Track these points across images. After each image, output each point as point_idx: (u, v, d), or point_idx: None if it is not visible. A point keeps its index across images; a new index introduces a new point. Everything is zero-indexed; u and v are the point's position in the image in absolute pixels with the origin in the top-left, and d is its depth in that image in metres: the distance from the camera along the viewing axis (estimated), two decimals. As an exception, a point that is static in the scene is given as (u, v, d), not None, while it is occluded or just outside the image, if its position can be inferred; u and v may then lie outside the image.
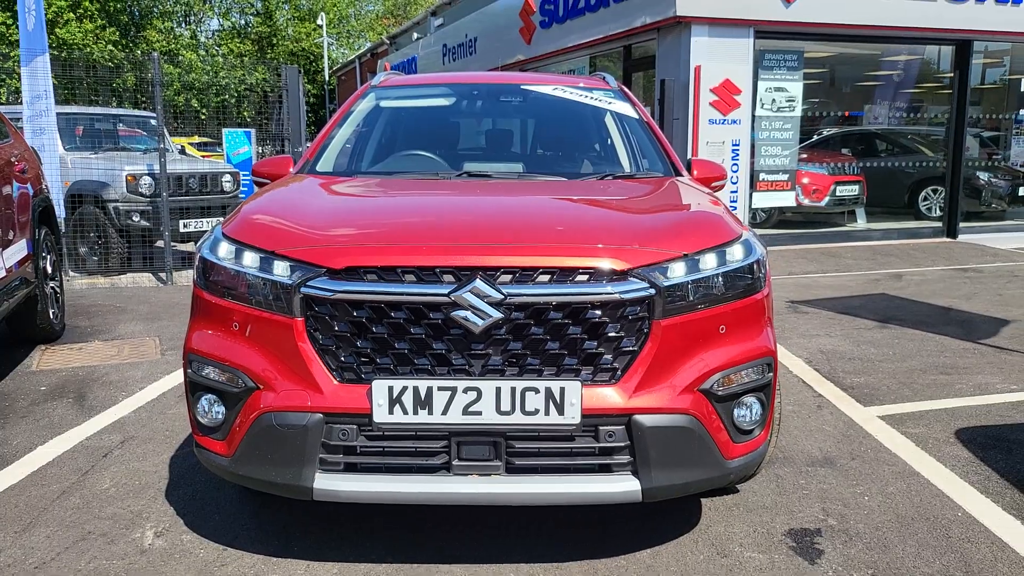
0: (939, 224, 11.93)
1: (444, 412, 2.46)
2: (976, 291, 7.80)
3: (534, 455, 2.53)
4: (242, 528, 3.05)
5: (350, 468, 2.56)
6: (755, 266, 2.69)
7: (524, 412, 2.46)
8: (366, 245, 2.55)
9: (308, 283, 2.51)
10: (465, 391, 2.45)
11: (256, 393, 2.58)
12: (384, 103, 4.21)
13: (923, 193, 12.48)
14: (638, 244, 2.57)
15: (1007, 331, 6.19)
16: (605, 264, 2.50)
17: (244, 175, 9.09)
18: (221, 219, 3.64)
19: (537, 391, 2.44)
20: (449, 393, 2.45)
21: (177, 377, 4.89)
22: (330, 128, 3.91)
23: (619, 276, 2.49)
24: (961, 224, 11.82)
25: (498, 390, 2.45)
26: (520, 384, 2.44)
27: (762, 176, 10.61)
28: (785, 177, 10.81)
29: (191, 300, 2.88)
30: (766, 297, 2.74)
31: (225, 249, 2.72)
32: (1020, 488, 3.43)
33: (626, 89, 4.35)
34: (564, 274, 2.48)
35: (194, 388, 2.75)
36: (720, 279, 2.60)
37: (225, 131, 9.54)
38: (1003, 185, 13.08)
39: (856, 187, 11.80)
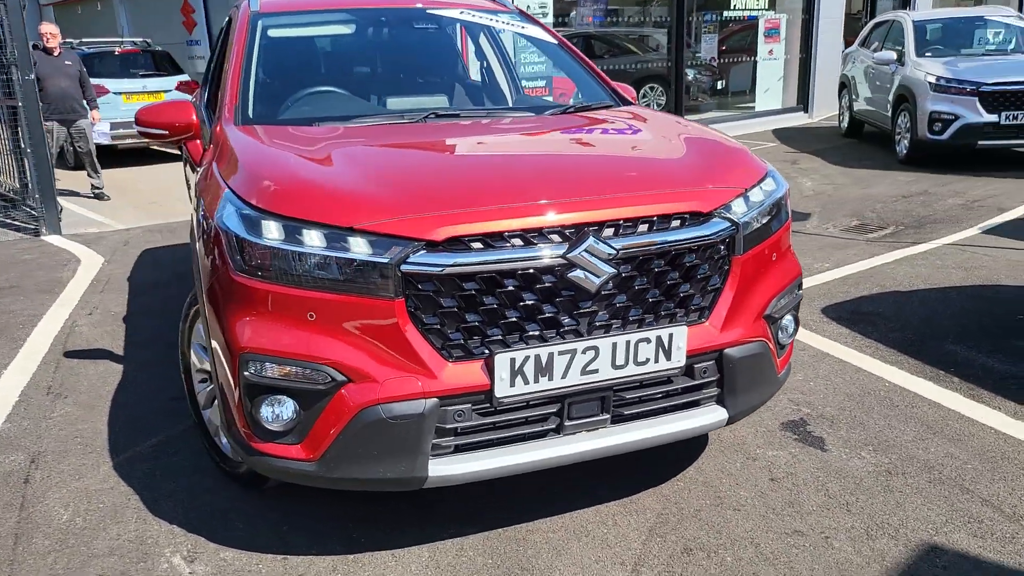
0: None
1: (564, 376, 2.40)
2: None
3: (636, 403, 2.56)
4: (284, 531, 2.76)
5: (460, 449, 2.42)
6: (787, 195, 2.86)
7: (636, 363, 2.47)
8: (463, 211, 2.34)
9: (408, 260, 2.26)
10: (584, 351, 2.39)
11: (347, 387, 2.31)
12: (274, 32, 3.73)
13: (642, 91, 13.52)
14: (711, 184, 2.62)
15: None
16: (695, 207, 2.52)
17: None
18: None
19: (649, 340, 2.46)
20: (569, 356, 2.38)
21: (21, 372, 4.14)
22: (238, 68, 3.41)
23: (705, 218, 2.54)
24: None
25: (614, 345, 2.42)
26: (634, 336, 2.44)
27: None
28: (542, 83, 11.16)
29: (213, 286, 2.46)
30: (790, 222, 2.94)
31: (274, 227, 2.34)
32: (906, 353, 4.07)
33: (526, 12, 4.24)
34: (663, 221, 2.48)
35: (255, 391, 2.39)
36: (769, 210, 2.74)
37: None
38: (706, 80, 14.61)
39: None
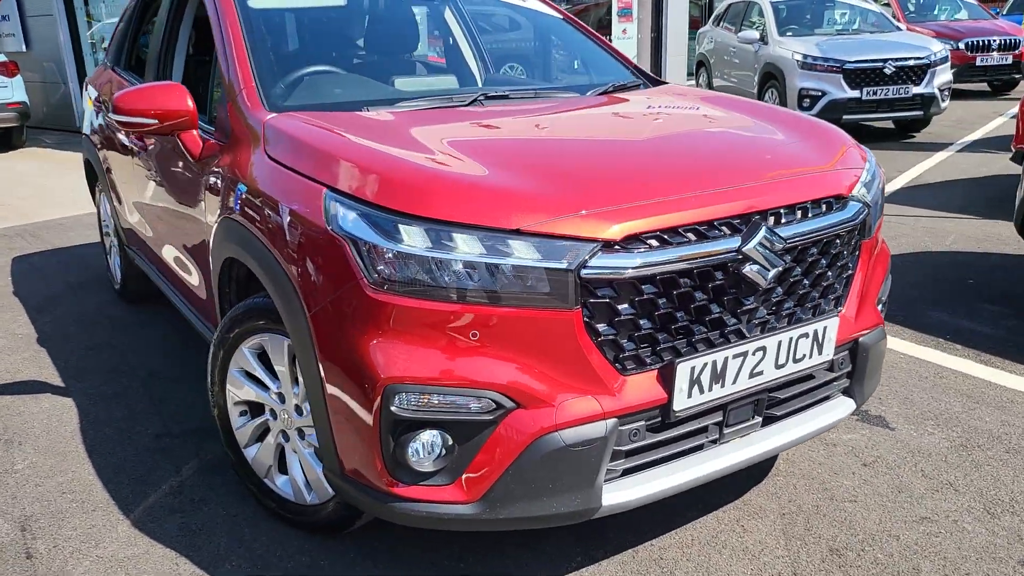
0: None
1: (734, 381, 2.20)
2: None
3: (783, 403, 2.40)
4: None
5: (627, 472, 2.16)
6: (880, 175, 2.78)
7: (795, 360, 2.31)
8: (636, 205, 2.06)
9: (587, 264, 1.96)
10: (754, 352, 2.20)
11: (515, 414, 2.00)
12: (256, 3, 3.23)
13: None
14: (840, 166, 2.49)
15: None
16: (838, 190, 2.38)
17: None
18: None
19: (807, 335, 2.30)
20: (741, 359, 2.19)
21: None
22: (242, 47, 2.92)
23: (844, 201, 2.40)
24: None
25: (779, 344, 2.25)
26: (795, 332, 2.27)
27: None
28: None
29: (330, 306, 2.05)
30: None
31: (417, 233, 1.97)
32: (895, 323, 4.17)
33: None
34: (815, 207, 2.32)
35: (401, 427, 2.01)
36: (880, 190, 2.65)
37: None
38: (560, 59, 14.66)
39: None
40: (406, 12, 3.80)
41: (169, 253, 3.47)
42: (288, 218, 2.21)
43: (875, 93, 9.74)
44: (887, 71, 9.77)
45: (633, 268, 1.98)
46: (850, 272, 2.46)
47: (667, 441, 2.18)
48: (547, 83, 3.58)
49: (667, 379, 2.08)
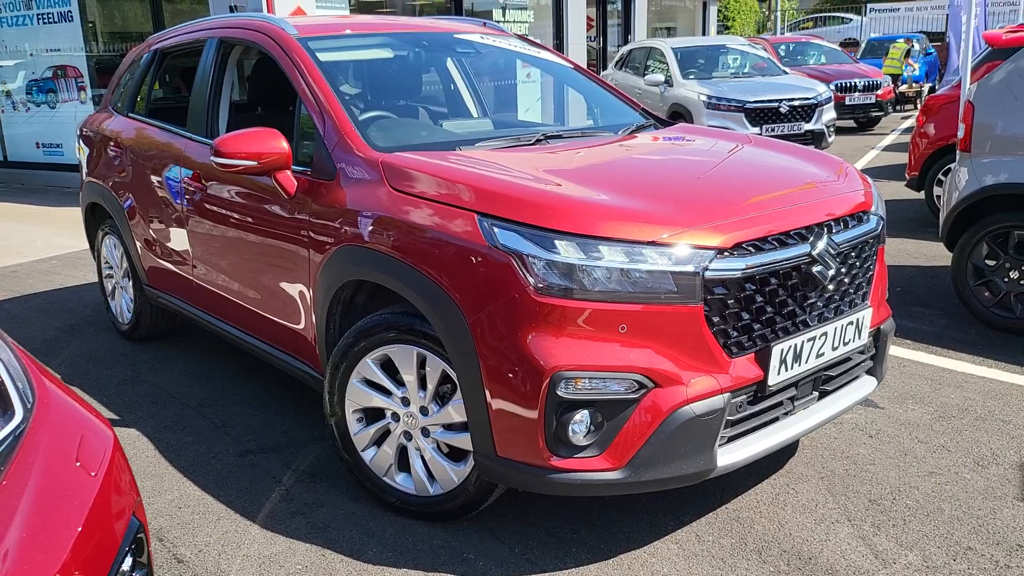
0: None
1: (807, 360, 2.73)
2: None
3: (832, 379, 2.95)
4: (523, 549, 2.78)
5: (731, 439, 2.65)
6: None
7: (844, 343, 2.86)
8: (739, 219, 2.58)
9: (709, 267, 2.46)
10: (820, 337, 2.75)
11: (654, 392, 2.46)
12: (325, 56, 3.62)
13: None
14: (861, 187, 3.08)
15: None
16: (865, 206, 2.98)
17: None
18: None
19: (852, 323, 2.87)
20: (812, 342, 2.72)
21: None
22: (332, 96, 3.29)
23: (867, 215, 3.00)
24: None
25: (835, 330, 2.80)
26: (844, 320, 2.83)
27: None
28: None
29: (499, 311, 2.46)
30: None
31: (571, 247, 2.42)
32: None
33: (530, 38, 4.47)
34: (853, 219, 2.90)
35: (565, 408, 2.44)
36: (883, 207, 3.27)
37: None
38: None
39: None
40: (444, 63, 4.23)
41: (238, 288, 3.74)
42: (438, 239, 2.61)
43: (773, 130, 10.78)
44: (782, 110, 10.85)
45: (741, 270, 2.49)
46: (871, 273, 3.05)
47: (760, 412, 2.68)
48: (582, 124, 4.08)
49: (763, 359, 2.59)
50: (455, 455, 2.84)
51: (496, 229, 2.49)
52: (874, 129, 15.12)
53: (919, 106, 17.52)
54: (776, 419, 2.77)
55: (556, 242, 2.42)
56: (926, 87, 18.60)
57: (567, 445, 2.47)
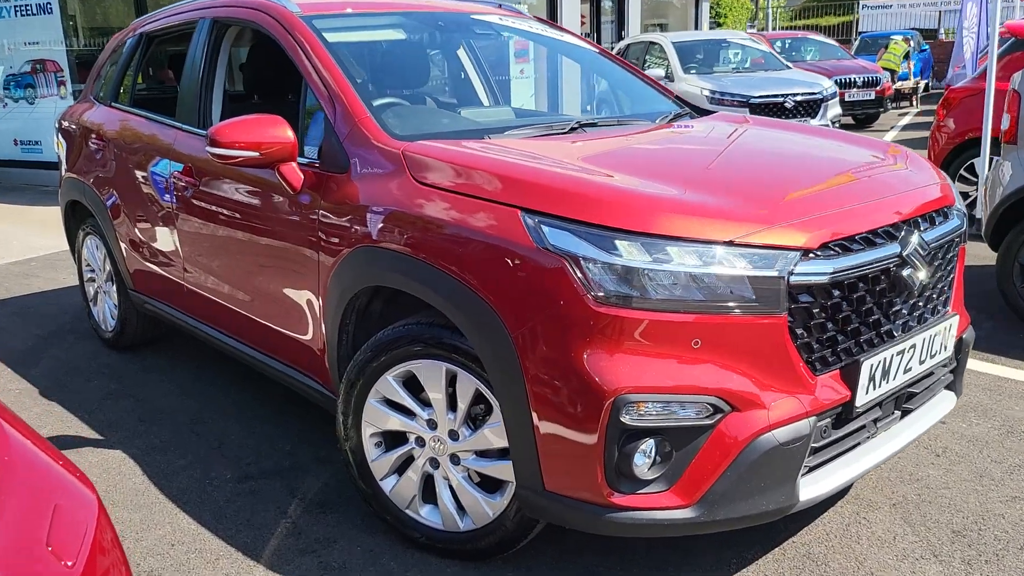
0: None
1: (894, 377, 2.39)
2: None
3: (913, 397, 2.61)
4: None
5: (811, 468, 2.31)
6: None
7: (931, 356, 2.53)
8: (820, 216, 2.23)
9: (794, 271, 2.11)
10: (909, 349, 2.41)
11: (731, 417, 2.11)
12: (333, 37, 3.24)
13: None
14: (941, 180, 2.74)
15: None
16: (948, 202, 2.64)
17: None
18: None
19: (939, 333, 2.53)
20: (900, 356, 2.38)
21: None
22: (342, 79, 2.92)
23: (951, 211, 2.66)
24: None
25: (923, 341, 2.46)
26: (931, 331, 2.49)
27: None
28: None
29: (550, 324, 2.11)
30: None
31: (635, 248, 2.06)
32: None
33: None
34: (940, 216, 2.56)
35: (629, 437, 2.08)
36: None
37: None
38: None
39: None
40: (457, 46, 3.87)
41: (235, 294, 3.37)
42: (473, 240, 2.25)
43: (778, 126, 10.44)
44: (787, 105, 10.54)
45: (829, 274, 2.14)
46: (953, 276, 2.71)
47: (844, 436, 2.33)
48: (616, 113, 3.72)
49: (851, 377, 2.24)
50: (489, 485, 2.48)
51: (545, 228, 2.13)
52: (873, 126, 14.85)
53: (915, 103, 17.36)
54: (858, 443, 2.42)
55: (617, 242, 2.07)
56: (921, 83, 18.41)
57: (630, 479, 2.11)
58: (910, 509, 2.84)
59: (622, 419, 2.04)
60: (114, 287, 4.49)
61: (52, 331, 5.06)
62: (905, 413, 2.58)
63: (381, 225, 2.54)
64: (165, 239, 3.79)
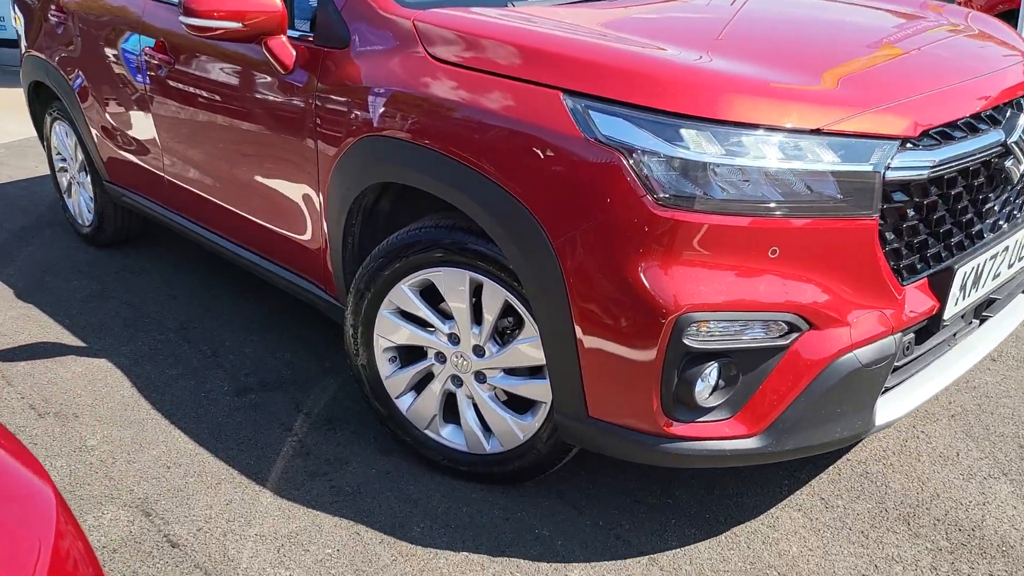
0: None
1: (984, 284, 2.10)
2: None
3: (991, 303, 2.33)
4: (605, 525, 2.20)
5: (888, 388, 2.04)
6: None
7: (1019, 259, 2.24)
8: (918, 98, 1.88)
9: (891, 165, 1.78)
10: (1001, 252, 2.11)
11: (807, 336, 1.82)
12: None
13: None
14: (1034, 54, 2.38)
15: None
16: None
17: None
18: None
19: (1028, 233, 2.23)
20: (992, 260, 2.09)
21: None
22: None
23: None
24: None
25: (1016, 243, 2.17)
26: (1022, 230, 2.19)
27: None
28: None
29: (600, 230, 1.79)
30: None
31: (703, 138, 1.72)
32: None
33: None
34: (1034, 99, 2.21)
35: (690, 361, 1.80)
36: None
37: None
38: None
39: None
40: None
41: (220, 187, 3.01)
42: (504, 129, 1.89)
43: None
44: None
45: (929, 167, 1.82)
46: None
47: (926, 352, 2.06)
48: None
49: (941, 286, 1.96)
50: (518, 404, 2.22)
51: (594, 114, 1.78)
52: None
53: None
54: (938, 355, 2.16)
55: (683, 131, 1.72)
56: None
57: (689, 407, 1.85)
58: (970, 421, 2.61)
59: (684, 341, 1.76)
60: (88, 178, 4.11)
61: (26, 225, 4.69)
62: (982, 321, 2.30)
63: (389, 110, 2.17)
64: (140, 125, 3.39)
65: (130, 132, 3.49)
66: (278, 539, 2.19)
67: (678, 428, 1.86)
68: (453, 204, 2.05)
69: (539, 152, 1.84)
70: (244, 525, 2.25)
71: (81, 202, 4.28)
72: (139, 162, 3.53)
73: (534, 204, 1.86)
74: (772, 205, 1.73)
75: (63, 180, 4.43)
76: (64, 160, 4.35)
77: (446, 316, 2.24)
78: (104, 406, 2.83)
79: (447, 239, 2.13)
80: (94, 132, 3.80)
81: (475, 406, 2.30)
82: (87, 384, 2.97)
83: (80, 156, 4.11)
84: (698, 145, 1.71)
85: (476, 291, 2.15)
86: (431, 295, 2.25)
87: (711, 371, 1.82)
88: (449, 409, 2.37)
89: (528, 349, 2.09)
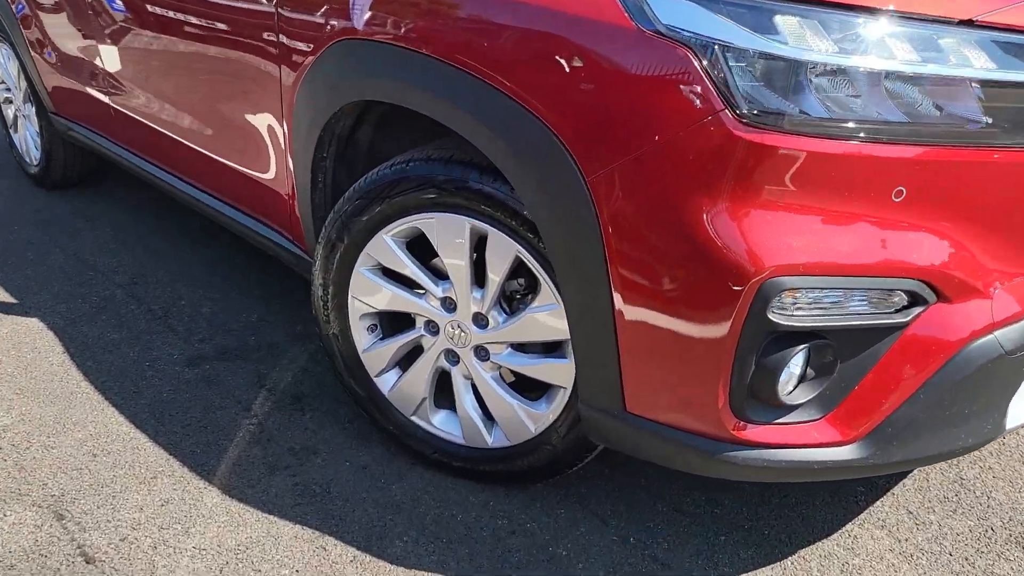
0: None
1: None
2: None
3: None
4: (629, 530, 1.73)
5: (1016, 378, 1.55)
6: None
7: None
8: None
9: (1055, 75, 1.28)
10: None
11: (934, 311, 1.33)
12: None
13: None
14: None
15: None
16: None
17: None
18: None
19: None
20: None
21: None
22: None
23: None
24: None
25: None
26: None
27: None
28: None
29: (654, 158, 1.28)
30: None
31: (809, 29, 1.21)
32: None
33: None
34: None
35: (778, 341, 1.31)
36: None
37: None
38: None
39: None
40: None
41: (172, 117, 2.49)
42: (528, 23, 1.38)
43: None
44: None
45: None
46: None
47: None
48: None
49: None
50: (528, 387, 1.74)
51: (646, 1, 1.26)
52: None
53: None
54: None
55: (777, 19, 1.21)
56: None
57: (767, 404, 1.36)
58: None
59: (769, 315, 1.26)
60: (34, 109, 3.58)
61: (-31, 165, 4.16)
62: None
63: (372, 4, 1.65)
64: (83, 46, 2.86)
65: (73, 54, 2.96)
66: (222, 554, 1.72)
67: (751, 432, 1.38)
68: (452, 128, 1.54)
69: (572, 53, 1.33)
70: (181, 534, 1.77)
71: (28, 137, 3.75)
72: (85, 89, 3.01)
73: (562, 126, 1.35)
74: (896, 128, 1.23)
75: (8, 112, 3.90)
76: (8, 90, 3.81)
77: (439, 275, 1.75)
78: (27, 376, 2.35)
79: (442, 175, 1.62)
80: (35, 56, 3.26)
81: (475, 389, 1.82)
82: (11, 348, 2.49)
83: (24, 84, 3.57)
84: (799, 39, 1.21)
85: (479, 244, 1.65)
86: (421, 248, 1.75)
87: (799, 357, 1.33)
88: (442, 391, 1.89)
89: (545, 319, 1.60)
